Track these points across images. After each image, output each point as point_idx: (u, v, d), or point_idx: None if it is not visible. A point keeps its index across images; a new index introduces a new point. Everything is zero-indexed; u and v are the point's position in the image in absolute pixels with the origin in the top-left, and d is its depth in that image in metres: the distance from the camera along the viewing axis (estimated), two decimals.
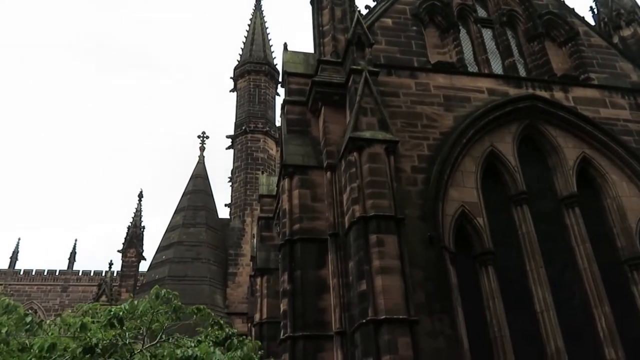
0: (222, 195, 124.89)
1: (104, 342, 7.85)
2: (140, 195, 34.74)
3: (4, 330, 8.04)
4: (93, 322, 8.46)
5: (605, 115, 12.74)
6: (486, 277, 10.51)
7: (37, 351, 6.76)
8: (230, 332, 10.04)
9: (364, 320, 8.60)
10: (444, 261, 9.98)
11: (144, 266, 33.84)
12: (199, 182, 30.83)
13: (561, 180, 11.96)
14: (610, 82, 13.42)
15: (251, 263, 21.99)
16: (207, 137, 31.66)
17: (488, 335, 10.09)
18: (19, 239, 66.30)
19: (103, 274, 43.81)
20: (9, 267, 57.14)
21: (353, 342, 9.20)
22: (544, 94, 12.60)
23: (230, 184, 32.10)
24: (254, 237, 21.65)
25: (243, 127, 31.17)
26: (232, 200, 30.94)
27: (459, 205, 10.81)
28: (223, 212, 31.46)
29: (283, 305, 10.35)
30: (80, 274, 56.53)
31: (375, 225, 9.23)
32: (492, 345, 9.94)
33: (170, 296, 8.87)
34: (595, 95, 13.06)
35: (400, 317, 8.47)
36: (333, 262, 10.18)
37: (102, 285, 29.63)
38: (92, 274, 56.09)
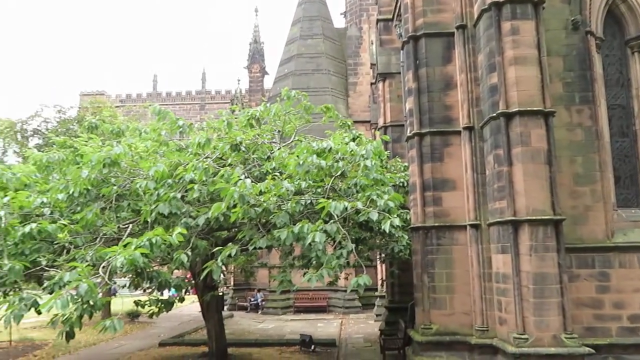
0: (336, 4, 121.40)
1: (247, 141, 8.72)
2: (256, 11, 34.72)
3: (163, 133, 9.20)
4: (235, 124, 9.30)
5: None
6: (639, 64, 9.37)
7: (194, 147, 7.71)
8: (357, 134, 10.51)
9: (494, 114, 8.34)
10: (589, 48, 8.98)
11: (267, 83, 35.45)
12: None
13: None
14: None
15: (371, 72, 21.76)
16: None
17: (633, 127, 9.38)
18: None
19: (233, 92, 46.93)
20: (153, 89, 63.75)
21: (482, 137, 9.13)
22: None
23: None
24: (372, 43, 21.02)
25: None
26: (346, 8, 29.70)
27: None
28: (338, 22, 30.60)
29: (408, 104, 10.32)
30: (213, 92, 61.59)
31: (509, 11, 8.31)
32: (637, 138, 9.29)
33: (300, 96, 9.30)
34: None
35: (535, 109, 8.06)
36: (460, 57, 9.64)
37: (234, 101, 31.86)
38: (223, 92, 60.86)
